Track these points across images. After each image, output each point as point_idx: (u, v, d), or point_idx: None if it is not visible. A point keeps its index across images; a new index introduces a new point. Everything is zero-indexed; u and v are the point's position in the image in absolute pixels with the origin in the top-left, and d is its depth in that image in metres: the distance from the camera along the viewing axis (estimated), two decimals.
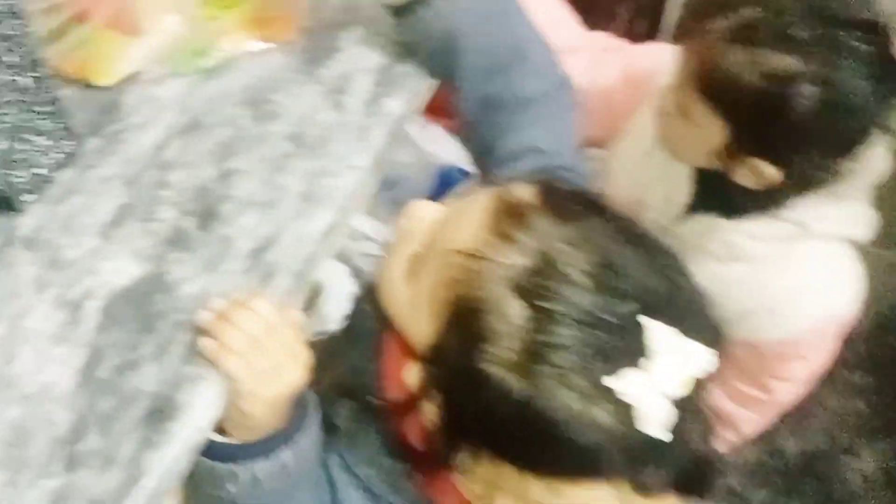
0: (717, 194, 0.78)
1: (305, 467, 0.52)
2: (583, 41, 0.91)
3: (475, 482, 0.51)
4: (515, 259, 0.44)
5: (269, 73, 0.60)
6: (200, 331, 0.45)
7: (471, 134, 0.64)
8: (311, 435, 0.51)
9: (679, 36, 0.77)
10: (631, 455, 0.45)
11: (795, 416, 1.02)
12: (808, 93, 0.65)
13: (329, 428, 0.58)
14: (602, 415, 0.43)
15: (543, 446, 0.46)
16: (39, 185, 0.50)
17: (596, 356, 0.43)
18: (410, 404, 0.51)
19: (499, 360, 0.43)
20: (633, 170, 0.87)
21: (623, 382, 0.42)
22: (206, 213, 0.51)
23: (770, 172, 0.71)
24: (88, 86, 0.57)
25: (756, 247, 0.78)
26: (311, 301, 1.22)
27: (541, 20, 0.74)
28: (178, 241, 0.49)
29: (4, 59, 0.45)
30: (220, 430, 0.49)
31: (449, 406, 0.48)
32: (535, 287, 0.43)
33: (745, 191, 0.74)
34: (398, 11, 0.58)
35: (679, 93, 0.72)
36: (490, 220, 0.46)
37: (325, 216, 0.52)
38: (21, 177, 0.49)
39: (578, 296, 0.43)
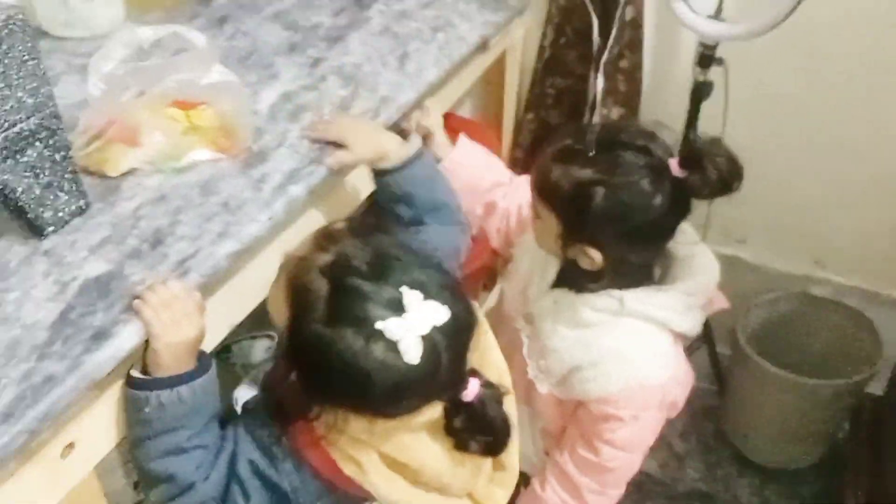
0: (569, 276, 1.04)
1: (198, 402, 0.77)
2: (506, 176, 1.23)
3: (322, 428, 0.76)
4: (324, 257, 0.72)
5: (218, 172, 0.92)
6: (135, 295, 0.73)
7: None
8: (203, 381, 0.76)
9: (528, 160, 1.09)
10: (401, 384, 0.70)
11: None
12: (600, 193, 0.93)
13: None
14: (378, 349, 0.68)
15: (348, 383, 0.71)
16: (58, 223, 0.81)
17: (371, 312, 0.69)
18: (283, 377, 0.77)
19: (315, 319, 0.70)
20: (525, 256, 1.13)
21: (389, 326, 0.68)
22: (156, 242, 0.81)
23: (594, 254, 0.96)
24: (102, 175, 0.90)
25: (592, 316, 1.01)
26: None
27: (481, 163, 1.11)
28: (135, 255, 0.79)
29: (49, 142, 0.78)
30: (144, 371, 0.75)
31: (297, 366, 0.75)
32: (334, 271, 0.71)
33: (584, 272, 1.00)
34: (376, 174, 0.93)
35: (534, 199, 1.01)
36: (315, 240, 0.75)
37: (229, 245, 0.81)
38: (47, 216, 0.80)
39: (359, 274, 0.71)
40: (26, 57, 0.74)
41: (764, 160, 1.72)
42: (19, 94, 0.74)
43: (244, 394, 1.44)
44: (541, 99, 1.71)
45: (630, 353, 1.00)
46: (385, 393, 0.71)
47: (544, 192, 0.99)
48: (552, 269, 1.08)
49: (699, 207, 1.75)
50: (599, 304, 1.01)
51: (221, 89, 0.92)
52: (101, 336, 0.69)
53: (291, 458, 0.79)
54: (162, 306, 0.73)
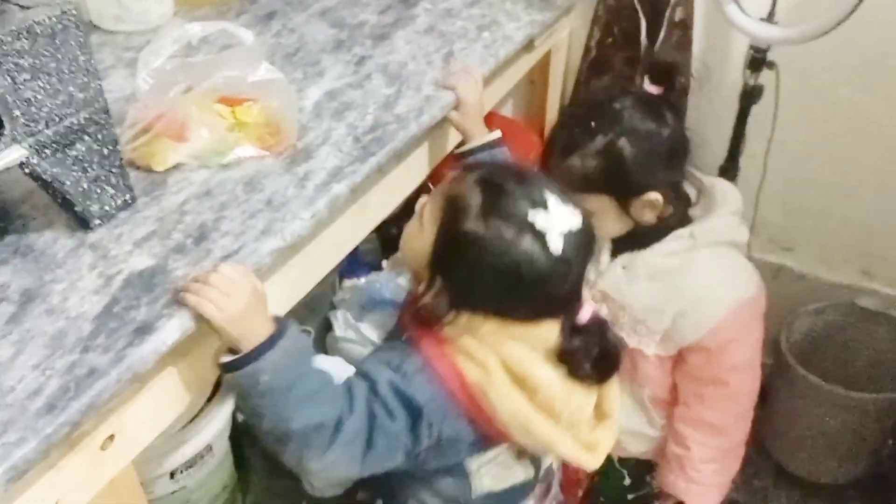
0: (625, 242, 1.10)
1: (300, 348, 0.80)
2: None
3: (455, 330, 0.85)
4: (476, 173, 0.85)
5: (263, 168, 0.92)
6: (178, 289, 0.74)
7: None
8: (294, 331, 0.78)
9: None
10: (542, 278, 0.80)
11: None
12: (623, 145, 1.02)
13: None
14: (527, 240, 0.80)
15: (497, 275, 0.81)
16: (105, 216, 0.82)
17: (521, 208, 0.80)
18: (424, 290, 0.85)
19: (471, 217, 0.81)
20: None
21: (538, 218, 0.79)
22: (201, 237, 0.81)
23: (654, 197, 1.03)
24: (149, 170, 0.90)
25: (670, 261, 1.07)
26: None
27: None
28: (179, 250, 0.79)
29: (98, 137, 0.79)
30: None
31: (447, 269, 0.83)
32: (486, 180, 0.83)
33: (644, 231, 1.07)
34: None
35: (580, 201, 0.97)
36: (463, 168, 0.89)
37: (273, 242, 0.81)
38: (94, 209, 0.81)
39: (507, 180, 0.83)
40: (78, 52, 0.74)
41: (813, 166, 1.68)
42: (70, 89, 0.75)
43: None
44: None
45: (721, 277, 1.07)
46: (527, 285, 0.81)
47: (584, 183, 1.03)
48: (605, 245, 1.13)
49: (745, 213, 1.73)
50: (673, 247, 1.07)
51: (269, 86, 0.92)
52: (144, 330, 0.70)
53: (422, 373, 0.84)
54: (205, 289, 0.73)
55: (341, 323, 1.53)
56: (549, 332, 0.85)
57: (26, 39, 0.69)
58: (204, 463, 1.33)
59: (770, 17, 1.35)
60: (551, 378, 0.84)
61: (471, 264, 0.82)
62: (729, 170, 1.56)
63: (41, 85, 0.72)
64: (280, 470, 1.65)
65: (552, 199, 0.82)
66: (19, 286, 0.75)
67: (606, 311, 1.12)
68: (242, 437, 1.53)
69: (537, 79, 1.67)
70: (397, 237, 0.94)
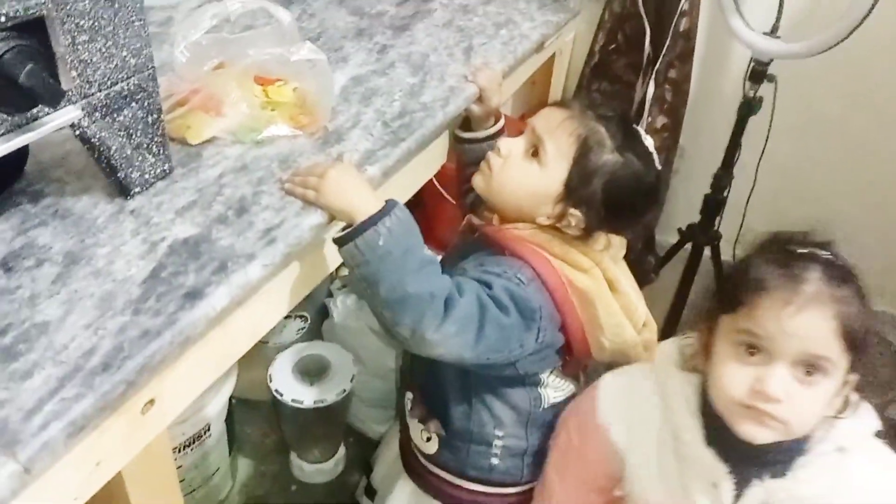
0: (749, 464, 0.83)
1: (410, 222, 0.84)
2: None
3: (560, 246, 0.97)
4: (595, 119, 0.96)
5: (296, 148, 0.93)
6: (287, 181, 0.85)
7: None
8: (402, 209, 0.84)
9: None
10: (656, 188, 0.98)
11: None
12: None
13: None
14: (646, 163, 0.96)
15: (628, 200, 0.95)
16: (144, 183, 0.83)
17: (637, 138, 0.97)
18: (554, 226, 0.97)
19: (605, 150, 0.94)
20: None
21: (647, 143, 0.98)
22: (241, 209, 0.82)
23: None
24: (185, 143, 0.91)
25: (818, 485, 0.81)
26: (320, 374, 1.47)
27: None
28: (221, 220, 0.80)
29: (145, 104, 0.80)
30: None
31: (581, 201, 0.94)
32: (610, 118, 0.96)
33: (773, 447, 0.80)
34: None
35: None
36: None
37: (313, 218, 0.82)
38: (135, 177, 0.82)
39: (623, 120, 0.98)
40: (134, 17, 0.75)
41: (802, 179, 1.75)
42: (124, 54, 0.75)
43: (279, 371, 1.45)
44: None
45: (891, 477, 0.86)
46: (645, 201, 0.97)
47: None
48: (722, 478, 0.85)
49: (733, 221, 1.78)
50: (822, 467, 0.84)
51: (308, 67, 0.93)
52: (194, 295, 0.70)
53: (534, 282, 0.92)
54: (316, 182, 0.82)
55: (340, 310, 1.54)
56: (621, 244, 1.01)
57: (88, 0, 0.70)
58: (202, 443, 1.33)
59: (773, 32, 1.41)
60: (629, 281, 0.99)
61: (608, 190, 0.93)
62: (723, 178, 1.62)
63: (98, 47, 0.72)
64: (270, 454, 1.65)
65: (638, 128, 0.98)
66: (62, 248, 0.75)
67: None
68: (236, 420, 1.53)
69: (539, 80, 1.70)
70: None
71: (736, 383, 0.79)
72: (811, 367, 0.76)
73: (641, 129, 0.99)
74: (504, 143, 0.99)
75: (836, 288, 0.77)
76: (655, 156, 0.97)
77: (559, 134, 0.94)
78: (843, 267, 0.80)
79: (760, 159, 1.65)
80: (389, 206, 0.82)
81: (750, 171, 1.68)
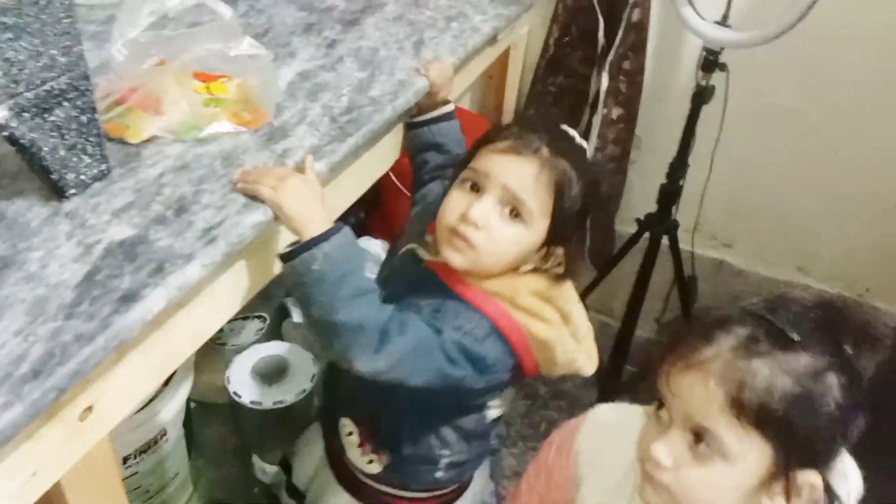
0: None
1: (353, 248, 0.85)
2: None
3: (511, 286, 0.94)
4: (551, 157, 0.91)
5: (240, 144, 0.92)
6: (240, 180, 0.83)
7: None
8: (349, 231, 0.84)
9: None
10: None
11: None
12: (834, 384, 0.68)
13: None
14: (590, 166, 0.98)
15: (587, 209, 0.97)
16: (80, 185, 0.80)
17: (583, 153, 0.98)
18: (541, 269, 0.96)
19: (574, 185, 0.92)
20: None
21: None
22: (181, 209, 0.80)
23: (817, 481, 0.69)
24: (124, 142, 0.89)
25: None
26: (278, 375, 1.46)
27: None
28: (160, 221, 0.78)
29: (77, 103, 0.77)
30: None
31: (563, 240, 0.95)
32: (561, 151, 0.93)
33: None
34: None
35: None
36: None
37: (255, 216, 0.81)
38: (70, 178, 0.79)
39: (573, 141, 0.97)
40: (62, 15, 0.73)
41: (756, 167, 1.76)
42: (52, 52, 0.73)
43: (237, 372, 1.43)
44: (541, 96, 1.73)
45: None
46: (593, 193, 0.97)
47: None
48: None
49: (690, 210, 1.79)
50: None
51: (250, 62, 0.92)
52: (129, 298, 0.69)
53: (491, 336, 0.91)
54: (275, 181, 0.81)
55: (299, 310, 1.53)
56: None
57: None
58: (158, 448, 1.30)
59: (724, 21, 1.42)
60: (577, 305, 0.98)
61: (581, 216, 0.95)
62: (678, 168, 1.63)
63: (24, 45, 0.70)
64: (231, 457, 1.63)
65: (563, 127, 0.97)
66: None
67: None
68: (194, 424, 1.50)
69: (495, 74, 1.70)
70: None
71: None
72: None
73: (565, 127, 0.97)
74: (476, 211, 0.89)
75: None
76: (584, 143, 0.97)
77: (538, 190, 0.90)
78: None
79: (715, 149, 1.66)
80: (334, 230, 0.82)
81: (705, 161, 1.69)
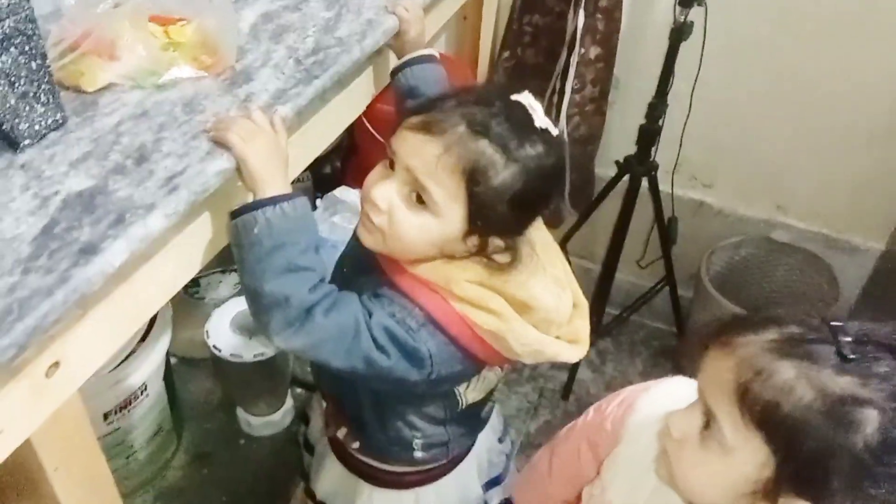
0: None
1: (300, 220, 0.80)
2: None
3: (448, 273, 0.86)
4: (466, 136, 0.81)
5: (201, 90, 0.88)
6: (212, 127, 0.80)
7: None
8: (303, 200, 0.80)
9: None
10: (563, 164, 0.89)
11: None
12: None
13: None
14: (546, 143, 0.84)
15: (543, 196, 0.88)
16: (34, 135, 0.77)
17: (526, 122, 0.84)
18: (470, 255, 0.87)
19: (498, 167, 0.80)
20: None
21: (537, 118, 0.84)
22: (141, 158, 0.77)
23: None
24: (79, 90, 0.85)
25: None
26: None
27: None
28: (119, 171, 0.76)
29: (25, 49, 0.74)
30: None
31: (491, 227, 0.84)
32: (499, 120, 0.82)
33: None
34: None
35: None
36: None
37: (219, 164, 0.78)
38: (23, 128, 0.76)
39: (500, 113, 0.83)
40: None
41: (735, 106, 1.74)
42: None
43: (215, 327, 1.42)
44: (518, 37, 1.69)
45: None
46: (553, 186, 0.87)
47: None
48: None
49: (670, 151, 1.78)
50: None
51: (205, 5, 0.88)
52: (89, 251, 0.66)
53: (426, 327, 0.84)
54: (248, 134, 0.77)
55: None
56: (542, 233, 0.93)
57: None
58: (138, 404, 1.30)
59: None
60: (542, 291, 0.88)
61: (516, 202, 0.82)
62: (657, 107, 1.60)
63: None
64: (215, 410, 1.63)
65: (528, 98, 0.84)
66: None
67: None
68: (176, 378, 1.49)
69: (470, 14, 1.65)
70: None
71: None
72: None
73: (527, 101, 0.84)
74: (378, 191, 0.84)
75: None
76: (551, 126, 0.84)
77: (440, 174, 0.80)
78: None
79: (694, 87, 1.64)
80: (284, 197, 0.78)
81: (684, 100, 1.67)
